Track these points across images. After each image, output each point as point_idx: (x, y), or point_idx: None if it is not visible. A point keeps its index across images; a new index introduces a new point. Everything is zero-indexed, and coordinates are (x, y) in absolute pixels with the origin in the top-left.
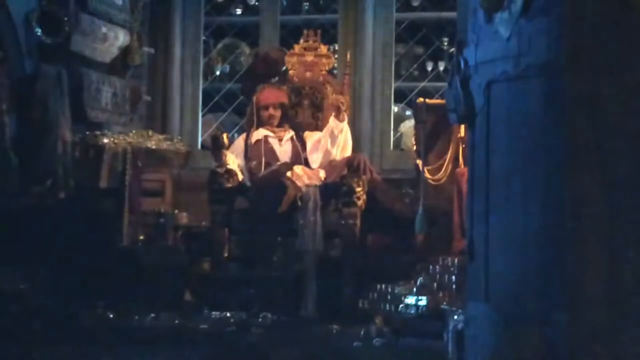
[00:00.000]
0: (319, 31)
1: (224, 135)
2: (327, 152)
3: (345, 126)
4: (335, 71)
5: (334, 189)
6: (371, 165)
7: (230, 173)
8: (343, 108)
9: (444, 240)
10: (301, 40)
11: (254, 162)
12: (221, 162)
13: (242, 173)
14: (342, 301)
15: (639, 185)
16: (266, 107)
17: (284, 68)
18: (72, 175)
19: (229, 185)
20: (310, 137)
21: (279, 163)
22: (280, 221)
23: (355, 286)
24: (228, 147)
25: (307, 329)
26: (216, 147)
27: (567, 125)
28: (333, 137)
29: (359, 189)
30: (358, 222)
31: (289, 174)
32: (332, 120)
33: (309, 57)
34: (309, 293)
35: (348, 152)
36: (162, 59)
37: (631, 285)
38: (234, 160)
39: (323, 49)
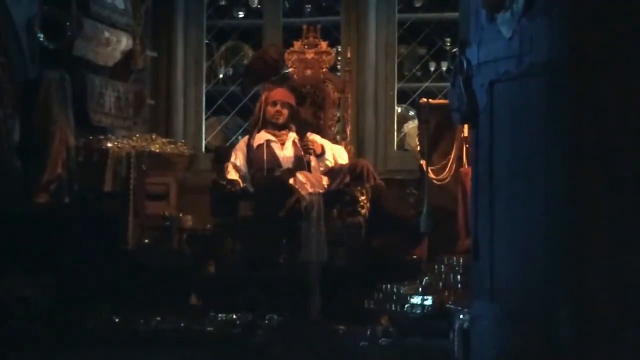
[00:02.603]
0: (318, 26)
1: (228, 149)
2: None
3: (329, 151)
4: (339, 73)
5: (337, 197)
6: (374, 171)
7: (232, 183)
8: (314, 148)
9: (449, 240)
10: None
11: (256, 170)
12: (222, 174)
13: (244, 181)
14: (348, 302)
15: None
16: (275, 104)
17: (286, 70)
18: (77, 179)
19: (233, 190)
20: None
21: (281, 169)
22: (284, 225)
23: (360, 296)
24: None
25: (314, 330)
26: (221, 162)
27: (570, 123)
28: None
29: (362, 198)
30: (363, 231)
31: (291, 181)
32: (314, 162)
33: (310, 55)
34: (314, 303)
35: (344, 157)
36: (165, 62)
37: (636, 283)
38: (234, 174)
39: (323, 45)
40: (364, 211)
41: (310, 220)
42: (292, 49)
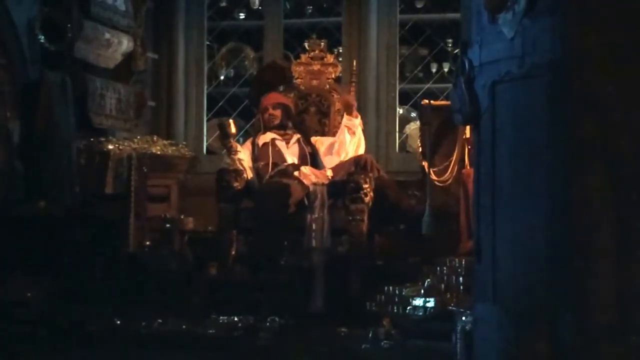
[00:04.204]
0: (325, 40)
1: (231, 123)
2: (341, 151)
3: (359, 122)
4: (340, 75)
5: (341, 187)
6: (378, 164)
7: (238, 172)
8: (354, 104)
9: (451, 241)
10: (307, 47)
11: (262, 164)
12: (231, 148)
13: (252, 171)
14: (349, 303)
15: None
16: (266, 109)
17: (290, 75)
18: (78, 181)
19: (237, 184)
20: (322, 142)
21: (286, 164)
22: (286, 224)
23: (363, 285)
24: (235, 135)
25: (315, 332)
26: (225, 136)
27: (572, 124)
28: (350, 134)
29: (366, 186)
30: (365, 218)
31: (296, 173)
32: (345, 120)
33: (316, 66)
34: (318, 290)
35: (362, 151)
36: (166, 64)
37: (639, 285)
38: (242, 154)
39: (329, 57)
40: (367, 198)
41: (313, 209)
42: (298, 60)
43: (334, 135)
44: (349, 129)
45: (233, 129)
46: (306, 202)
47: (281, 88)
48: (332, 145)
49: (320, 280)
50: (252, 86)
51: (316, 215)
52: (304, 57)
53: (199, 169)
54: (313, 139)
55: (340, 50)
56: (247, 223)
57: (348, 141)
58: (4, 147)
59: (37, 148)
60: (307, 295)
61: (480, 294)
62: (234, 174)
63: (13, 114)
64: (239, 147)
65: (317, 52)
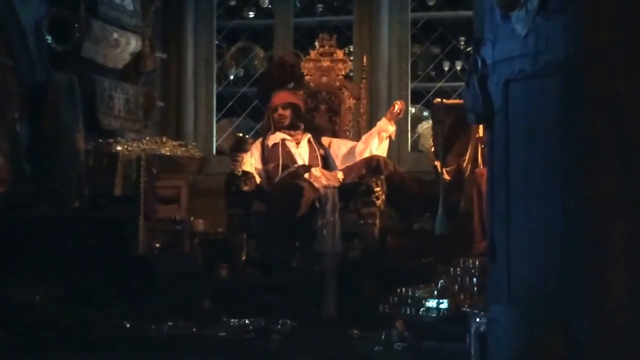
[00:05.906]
0: (334, 36)
1: (250, 141)
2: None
3: (394, 131)
4: (351, 74)
5: (353, 190)
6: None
7: (247, 176)
8: (397, 111)
9: (464, 241)
10: (316, 45)
11: (272, 165)
12: (237, 164)
13: (260, 176)
14: (362, 305)
15: None
16: (275, 109)
17: (301, 74)
18: (86, 183)
19: (246, 188)
20: (338, 145)
21: (296, 165)
22: (298, 225)
23: (375, 289)
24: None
25: (328, 334)
26: (239, 150)
27: (585, 122)
28: (380, 139)
29: (377, 189)
30: (377, 222)
31: (306, 175)
32: (383, 123)
33: (325, 63)
34: (330, 295)
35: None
36: (175, 64)
37: None
38: (251, 164)
39: (339, 53)
40: (378, 202)
41: (325, 213)
42: (308, 57)
43: (344, 133)
44: (379, 133)
45: (250, 148)
46: (317, 205)
47: (290, 85)
48: (352, 150)
49: (332, 288)
50: (259, 84)
51: (327, 220)
52: (313, 53)
53: (209, 169)
54: (326, 140)
55: (352, 49)
56: (258, 228)
57: (375, 147)
58: (11, 149)
59: (45, 149)
60: (318, 298)
61: (494, 294)
62: (243, 177)
63: (21, 115)
64: (246, 162)
65: (326, 47)
